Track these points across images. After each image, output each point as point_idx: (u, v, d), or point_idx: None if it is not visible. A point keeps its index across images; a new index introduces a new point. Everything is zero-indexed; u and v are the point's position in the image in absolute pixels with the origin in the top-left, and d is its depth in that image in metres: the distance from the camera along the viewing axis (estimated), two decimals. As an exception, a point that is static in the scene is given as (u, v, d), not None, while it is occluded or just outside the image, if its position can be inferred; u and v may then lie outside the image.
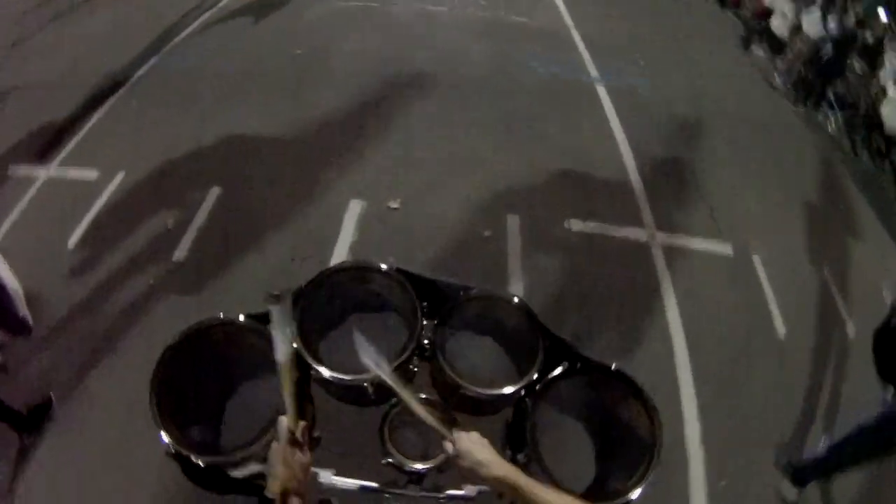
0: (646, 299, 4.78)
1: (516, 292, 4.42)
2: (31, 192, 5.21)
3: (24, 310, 3.83)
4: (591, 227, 5.21)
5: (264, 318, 1.99)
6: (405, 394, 1.67)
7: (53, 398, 3.88)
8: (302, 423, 1.56)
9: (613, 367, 2.05)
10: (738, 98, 6.96)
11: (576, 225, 5.21)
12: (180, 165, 5.47)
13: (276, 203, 5.16)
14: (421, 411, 1.65)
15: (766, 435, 4.17)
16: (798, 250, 5.41)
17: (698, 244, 5.25)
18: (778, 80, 8.25)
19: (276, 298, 1.74)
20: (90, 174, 5.37)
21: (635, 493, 1.85)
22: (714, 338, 4.61)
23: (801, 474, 3.86)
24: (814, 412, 4.34)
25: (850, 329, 4.91)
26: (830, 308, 5.03)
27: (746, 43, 9.33)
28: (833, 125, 7.45)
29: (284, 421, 1.52)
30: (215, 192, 5.20)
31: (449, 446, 1.60)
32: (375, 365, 1.68)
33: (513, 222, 5.14)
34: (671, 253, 5.10)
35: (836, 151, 6.69)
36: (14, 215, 4.99)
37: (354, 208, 5.13)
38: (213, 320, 1.99)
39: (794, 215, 5.71)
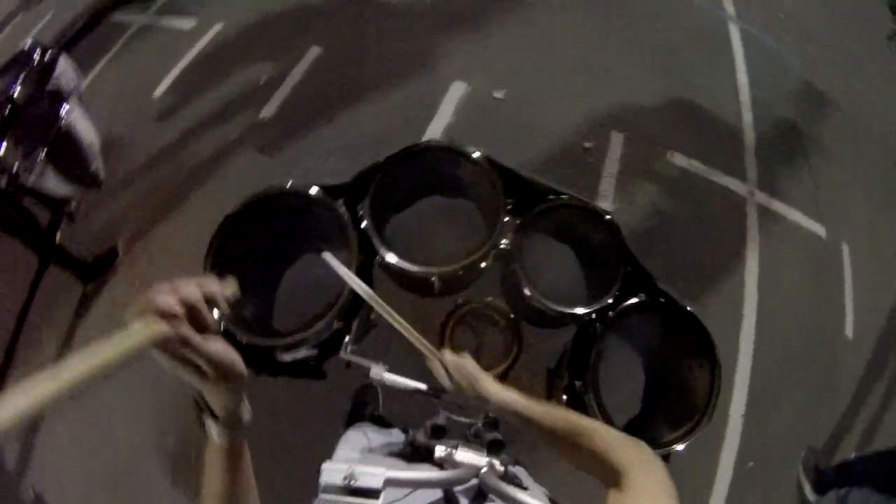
0: (728, 255, 4.55)
1: None
2: (124, 38, 5.22)
3: (97, 163, 3.88)
4: (693, 165, 4.91)
5: (336, 191, 1.89)
6: (385, 311, 1.48)
7: (119, 249, 3.96)
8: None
9: (690, 309, 1.90)
10: (875, 94, 6.42)
11: (678, 159, 4.91)
12: (282, 20, 5.33)
13: (376, 72, 4.99)
14: (406, 330, 1.48)
15: (804, 432, 4.06)
16: (887, 258, 5.01)
17: (794, 215, 4.91)
18: None
19: None
20: (187, 23, 5.31)
21: (681, 447, 1.77)
22: (784, 316, 4.39)
23: (822, 481, 3.76)
24: (854, 425, 4.18)
25: None
26: None
27: (893, 35, 8.50)
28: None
29: None
30: (314, 52, 5.05)
31: (437, 367, 1.45)
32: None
33: (616, 140, 4.87)
34: (765, 215, 4.81)
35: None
36: (104, 60, 5.03)
37: (456, 91, 4.92)
38: (279, 189, 1.86)
39: (893, 225, 5.31)
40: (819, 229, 4.91)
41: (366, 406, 3.03)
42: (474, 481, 1.14)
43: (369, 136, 4.46)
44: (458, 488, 1.14)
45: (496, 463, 1.32)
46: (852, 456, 3.92)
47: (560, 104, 4.97)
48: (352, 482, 0.98)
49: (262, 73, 4.86)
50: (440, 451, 1.30)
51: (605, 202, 4.46)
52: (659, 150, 4.91)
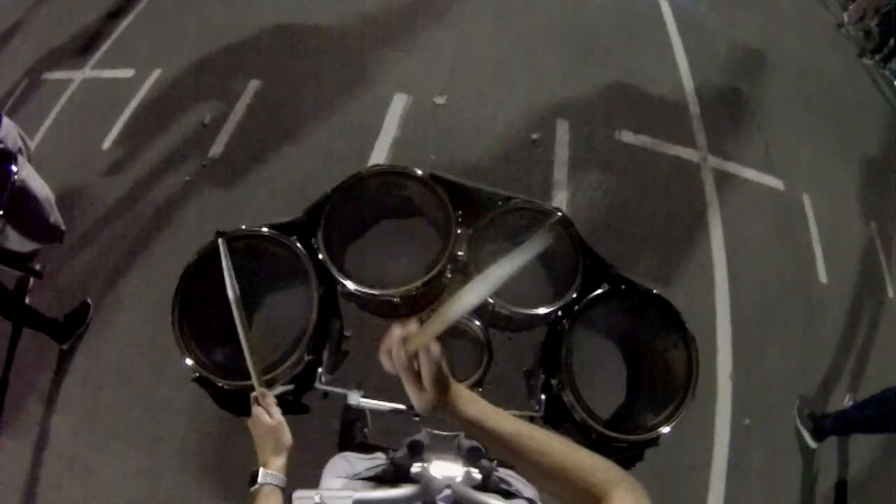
0: (691, 223, 4.63)
1: (560, 202, 4.40)
2: (66, 95, 5.19)
3: (55, 216, 3.83)
4: (641, 140, 5.00)
5: (288, 228, 1.91)
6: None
7: (90, 303, 3.93)
8: (263, 391, 1.57)
9: (655, 292, 1.91)
10: (806, 42, 6.56)
11: (626, 136, 5.00)
12: (219, 58, 5.34)
13: (317, 97, 5.02)
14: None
15: (794, 380, 4.15)
16: (848, 199, 5.21)
17: (749, 174, 5.04)
18: (850, 30, 7.74)
19: (221, 235, 1.61)
20: (126, 73, 5.30)
21: (666, 429, 1.75)
22: (756, 273, 4.49)
23: (820, 428, 3.85)
24: (842, 367, 4.29)
25: (890, 291, 4.78)
26: (873, 264, 4.89)
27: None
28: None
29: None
30: (254, 85, 5.08)
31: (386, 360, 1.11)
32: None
33: (562, 127, 4.94)
34: (721, 178, 4.91)
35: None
36: (49, 120, 4.99)
37: (398, 103, 4.96)
38: (233, 233, 1.86)
39: (848, 165, 5.47)
40: (777, 183, 5.02)
41: (355, 424, 3.04)
42: (448, 492, 1.15)
43: (320, 162, 4.51)
44: (439, 498, 1.15)
45: (473, 471, 1.34)
46: (846, 400, 4.05)
47: (501, 101, 5.05)
48: None
49: (206, 113, 4.86)
50: (416, 467, 1.32)
51: (561, 191, 4.52)
52: (606, 131, 4.99)
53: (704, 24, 6.18)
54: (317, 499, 1.07)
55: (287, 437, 1.52)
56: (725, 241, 4.53)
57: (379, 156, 4.55)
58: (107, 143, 4.77)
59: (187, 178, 4.48)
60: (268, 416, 1.52)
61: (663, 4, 6.24)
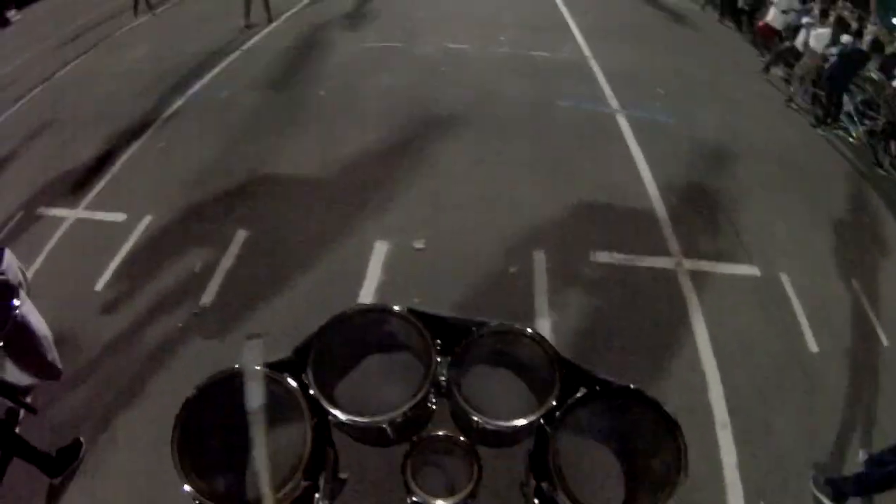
0: (674, 327, 4.70)
1: (544, 329, 4.42)
2: (60, 233, 5.34)
3: (53, 353, 3.87)
4: (616, 258, 5.16)
5: (280, 366, 2.01)
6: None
7: (83, 441, 3.91)
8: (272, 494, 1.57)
9: (631, 386, 2.01)
10: (758, 121, 6.93)
11: (601, 257, 5.16)
12: (208, 208, 5.55)
13: (302, 245, 5.19)
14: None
15: (804, 452, 4.07)
16: (826, 265, 5.33)
17: (725, 268, 5.18)
18: (797, 99, 8.19)
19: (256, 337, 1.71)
20: (118, 216, 5.49)
21: None
22: (745, 360, 4.52)
23: (839, 492, 3.77)
24: (851, 426, 4.24)
25: (884, 339, 4.81)
26: (862, 321, 4.94)
27: (766, 67, 9.26)
28: (855, 137, 7.32)
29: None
30: (242, 234, 5.26)
31: None
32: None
33: (539, 258, 5.11)
34: (698, 278, 5.03)
35: (860, 164, 6.62)
36: (43, 256, 5.10)
37: (380, 249, 5.14)
38: (230, 371, 1.98)
39: (820, 232, 5.64)
40: (752, 270, 5.15)
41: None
42: None
43: (308, 308, 4.56)
44: None
45: None
46: (860, 455, 3.93)
47: (478, 240, 5.24)
48: None
49: (196, 261, 5.01)
50: None
51: (543, 317, 4.61)
52: (581, 255, 5.15)
53: (660, 128, 6.48)
54: None
55: None
56: (710, 336, 4.60)
57: (365, 300, 4.65)
58: (100, 285, 4.86)
59: (180, 325, 4.56)
60: None
61: (619, 118, 6.58)
